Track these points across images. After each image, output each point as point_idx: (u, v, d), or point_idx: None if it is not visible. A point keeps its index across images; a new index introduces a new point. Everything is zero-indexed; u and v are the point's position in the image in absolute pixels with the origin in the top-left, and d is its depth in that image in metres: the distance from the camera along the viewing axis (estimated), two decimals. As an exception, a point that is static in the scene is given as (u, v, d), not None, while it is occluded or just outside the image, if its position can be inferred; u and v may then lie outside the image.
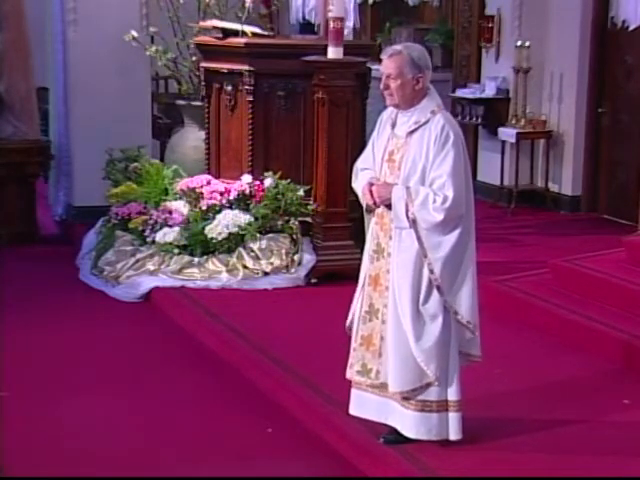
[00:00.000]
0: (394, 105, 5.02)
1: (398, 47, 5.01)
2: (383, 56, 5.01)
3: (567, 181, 10.53)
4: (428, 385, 4.99)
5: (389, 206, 4.97)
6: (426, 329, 4.95)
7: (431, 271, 4.91)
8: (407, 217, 4.89)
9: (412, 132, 4.95)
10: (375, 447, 5.17)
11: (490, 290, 7.49)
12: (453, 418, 5.04)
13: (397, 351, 5.00)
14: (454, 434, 5.05)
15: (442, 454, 5.03)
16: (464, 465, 4.96)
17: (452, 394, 5.03)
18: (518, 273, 7.90)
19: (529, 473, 4.90)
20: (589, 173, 10.43)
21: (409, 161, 4.93)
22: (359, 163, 5.24)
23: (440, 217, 4.84)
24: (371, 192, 5.01)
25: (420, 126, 4.93)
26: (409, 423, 5.06)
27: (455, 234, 4.90)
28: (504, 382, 6.00)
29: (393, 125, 5.05)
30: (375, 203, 5.03)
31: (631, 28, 9.55)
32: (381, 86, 5.02)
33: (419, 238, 4.90)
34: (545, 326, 6.92)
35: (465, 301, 4.97)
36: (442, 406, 5.03)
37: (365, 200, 5.10)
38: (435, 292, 4.93)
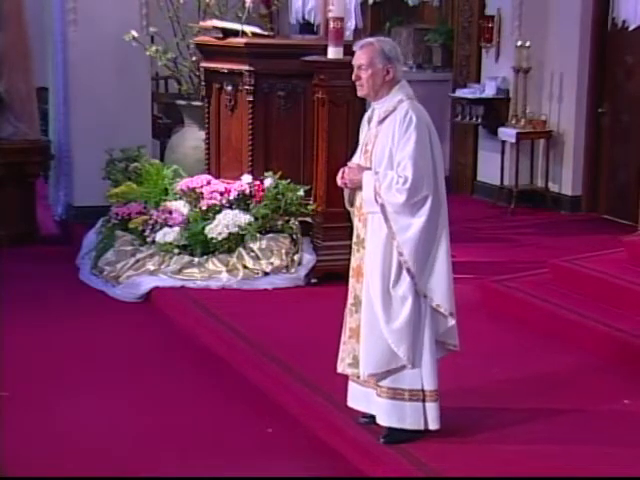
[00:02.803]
0: (365, 95, 5.16)
1: (370, 39, 5.19)
2: (355, 48, 5.16)
3: (567, 181, 10.54)
4: (403, 368, 5.04)
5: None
6: (396, 310, 5.02)
7: (400, 253, 4.99)
8: (376, 201, 5.00)
9: (381, 121, 5.10)
10: (375, 447, 5.17)
11: (490, 290, 7.51)
12: (431, 408, 5.10)
13: (369, 334, 5.08)
14: (433, 424, 5.10)
15: (442, 454, 5.03)
16: (464, 465, 4.96)
17: (429, 384, 5.08)
18: (518, 273, 7.90)
19: (529, 472, 4.90)
20: (589, 173, 10.44)
21: (379, 148, 5.07)
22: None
23: (402, 198, 4.94)
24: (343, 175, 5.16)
25: (388, 115, 5.07)
26: (382, 411, 5.14)
27: (423, 216, 4.98)
28: (503, 381, 6.00)
29: (369, 121, 5.20)
30: (346, 185, 5.16)
31: (631, 28, 9.55)
32: (353, 77, 5.15)
33: (387, 221, 5.00)
34: (545, 326, 6.92)
35: (437, 285, 5.03)
36: (416, 395, 5.08)
37: (338, 183, 5.22)
38: (405, 274, 5.01)
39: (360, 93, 5.18)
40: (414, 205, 4.97)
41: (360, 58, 5.09)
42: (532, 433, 5.30)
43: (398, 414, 5.09)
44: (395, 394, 5.09)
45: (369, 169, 5.08)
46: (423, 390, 5.08)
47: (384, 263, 5.02)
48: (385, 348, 5.04)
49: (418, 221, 4.98)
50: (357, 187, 5.12)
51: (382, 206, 4.99)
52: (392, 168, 5.01)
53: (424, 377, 5.07)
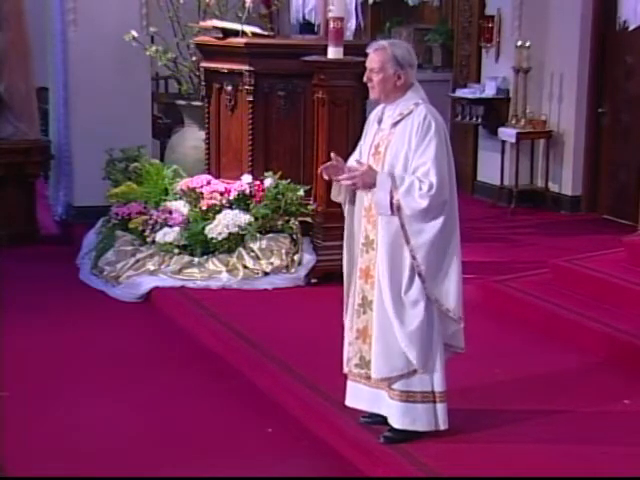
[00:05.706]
0: (376, 97, 5.14)
1: (384, 42, 5.16)
2: (368, 50, 5.14)
3: (567, 181, 10.54)
4: (414, 372, 5.04)
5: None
6: (408, 315, 5.00)
7: (413, 257, 4.97)
8: (391, 204, 4.95)
9: (396, 123, 5.07)
10: (375, 447, 5.17)
11: (490, 290, 7.51)
12: (441, 409, 5.11)
13: (381, 337, 5.06)
14: (443, 424, 5.13)
15: (442, 454, 5.03)
16: (464, 465, 4.96)
17: (438, 385, 5.09)
18: (518, 273, 7.90)
19: (530, 472, 4.90)
20: (589, 173, 10.44)
21: (393, 150, 5.03)
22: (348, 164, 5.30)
23: (425, 203, 4.91)
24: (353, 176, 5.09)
25: (404, 117, 5.05)
26: (395, 413, 5.13)
27: (439, 221, 4.96)
28: (503, 381, 6.00)
29: (380, 121, 5.17)
30: (355, 186, 5.10)
31: (631, 28, 9.53)
32: (364, 79, 5.15)
33: (402, 225, 4.97)
34: (545, 326, 6.92)
35: (448, 290, 5.03)
36: (427, 397, 5.09)
37: (345, 182, 5.15)
38: (417, 279, 4.98)
39: (372, 95, 5.16)
40: (432, 210, 4.93)
41: (372, 61, 5.07)
42: (532, 433, 5.29)
43: (411, 416, 5.09)
44: (408, 397, 5.08)
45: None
46: (433, 392, 5.09)
47: (396, 267, 4.99)
48: (398, 352, 5.03)
49: (434, 226, 4.95)
50: (368, 187, 5.05)
51: (398, 208, 4.95)
52: (406, 172, 4.97)
53: (434, 379, 5.08)
